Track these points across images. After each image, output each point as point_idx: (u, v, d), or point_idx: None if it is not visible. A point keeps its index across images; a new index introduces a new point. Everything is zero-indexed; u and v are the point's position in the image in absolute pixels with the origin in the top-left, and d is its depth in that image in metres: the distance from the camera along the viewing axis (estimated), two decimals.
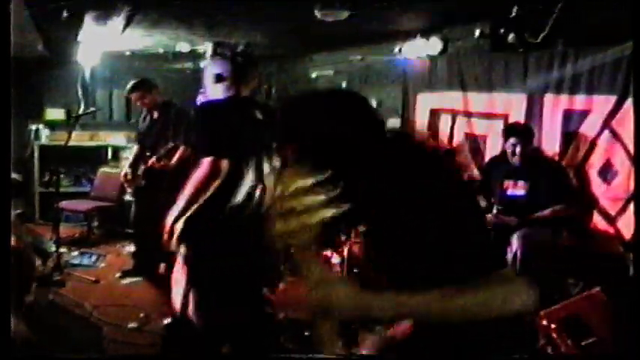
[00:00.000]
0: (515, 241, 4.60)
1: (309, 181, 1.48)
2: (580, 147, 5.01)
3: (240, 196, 3.43)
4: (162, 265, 5.38)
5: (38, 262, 4.03)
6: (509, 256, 4.59)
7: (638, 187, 4.16)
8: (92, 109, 7.71)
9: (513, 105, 5.64)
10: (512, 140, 4.91)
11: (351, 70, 8.26)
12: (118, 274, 6.03)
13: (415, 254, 1.60)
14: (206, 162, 3.39)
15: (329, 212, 1.48)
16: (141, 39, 6.57)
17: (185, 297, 3.60)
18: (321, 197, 1.48)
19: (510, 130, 5.07)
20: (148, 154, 5.79)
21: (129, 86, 6.02)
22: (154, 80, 6.24)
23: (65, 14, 4.73)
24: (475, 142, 6.08)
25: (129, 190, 6.31)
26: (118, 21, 5.29)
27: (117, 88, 9.04)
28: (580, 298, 3.97)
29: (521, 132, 4.98)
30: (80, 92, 8.57)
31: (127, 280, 5.89)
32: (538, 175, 4.86)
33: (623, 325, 3.65)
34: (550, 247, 4.71)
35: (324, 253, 4.36)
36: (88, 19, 5.25)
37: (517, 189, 4.95)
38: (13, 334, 2.32)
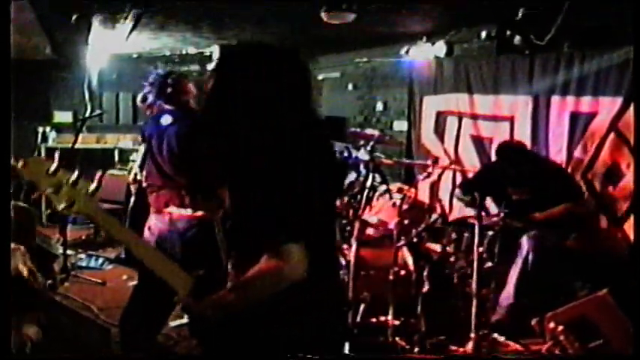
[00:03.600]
0: (525, 244, 4.60)
1: (53, 165, 1.69)
2: (587, 149, 5.01)
3: None
4: None
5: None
6: (519, 258, 4.59)
7: (637, 187, 4.16)
8: (99, 111, 7.73)
9: (519, 107, 5.64)
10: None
11: (357, 73, 8.27)
12: (124, 277, 6.04)
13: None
14: None
15: (90, 184, 1.71)
16: (148, 41, 6.59)
17: None
18: (71, 174, 1.70)
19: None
20: None
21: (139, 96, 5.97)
22: None
23: (73, 18, 4.75)
24: (481, 144, 6.09)
25: (134, 190, 6.23)
26: (125, 24, 5.32)
27: (123, 90, 9.08)
28: (587, 300, 3.96)
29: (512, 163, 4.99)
30: (87, 95, 8.60)
31: (134, 283, 5.89)
32: (540, 181, 4.84)
33: (630, 327, 3.64)
34: (559, 249, 4.70)
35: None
36: (96, 23, 5.28)
37: (521, 195, 4.94)
38: (23, 336, 2.34)
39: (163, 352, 4.33)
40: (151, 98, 3.90)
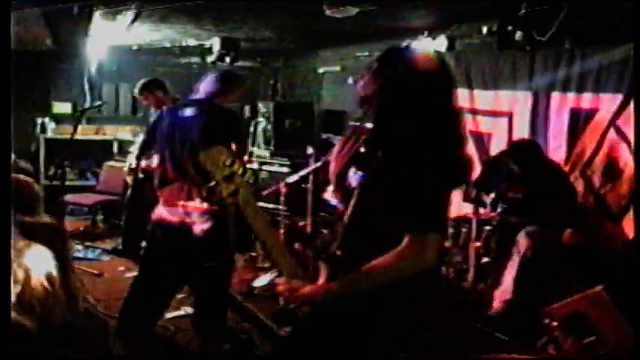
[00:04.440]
0: (522, 241, 4.59)
1: (229, 154, 1.90)
2: (586, 145, 5.01)
3: None
4: None
5: None
6: (516, 254, 4.58)
7: (638, 187, 4.16)
8: (98, 102, 7.72)
9: (519, 103, 5.63)
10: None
11: (357, 67, 8.25)
12: (121, 268, 6.05)
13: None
14: None
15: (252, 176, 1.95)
16: (148, 33, 6.58)
17: None
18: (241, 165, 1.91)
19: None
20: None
21: (136, 88, 5.99)
22: (160, 80, 6.22)
23: (75, 10, 4.73)
24: (480, 140, 6.08)
25: (130, 181, 6.19)
26: (126, 15, 5.31)
27: (124, 82, 9.05)
28: (582, 297, 3.97)
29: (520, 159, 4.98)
30: (87, 86, 8.59)
31: (131, 274, 5.91)
32: (535, 179, 4.83)
33: (624, 324, 3.65)
34: (556, 245, 4.70)
35: None
36: (97, 14, 5.26)
37: (516, 192, 4.93)
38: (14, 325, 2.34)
39: (161, 343, 4.34)
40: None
